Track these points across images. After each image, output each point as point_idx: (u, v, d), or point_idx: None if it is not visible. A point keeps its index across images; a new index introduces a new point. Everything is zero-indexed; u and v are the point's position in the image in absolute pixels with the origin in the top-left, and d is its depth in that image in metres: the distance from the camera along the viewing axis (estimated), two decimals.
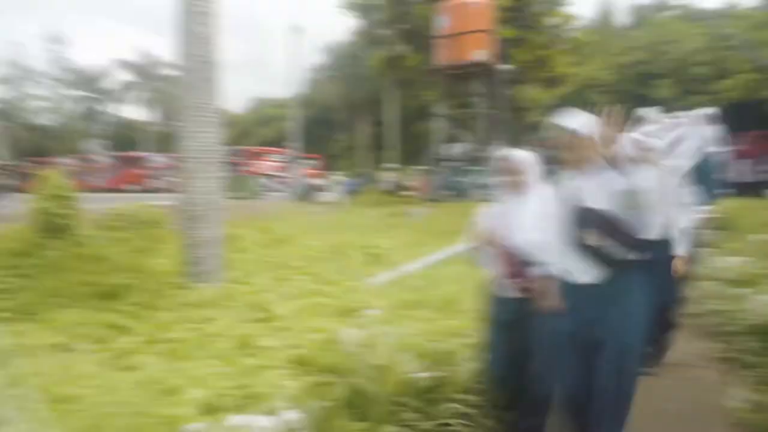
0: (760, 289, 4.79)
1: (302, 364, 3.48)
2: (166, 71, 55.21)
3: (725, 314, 4.88)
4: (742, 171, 13.27)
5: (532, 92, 18.95)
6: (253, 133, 61.66)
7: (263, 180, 29.67)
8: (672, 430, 3.40)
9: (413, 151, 48.16)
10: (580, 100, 39.47)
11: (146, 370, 3.41)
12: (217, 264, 4.93)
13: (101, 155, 40.29)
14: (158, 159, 36.69)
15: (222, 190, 5.21)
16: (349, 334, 3.24)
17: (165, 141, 59.60)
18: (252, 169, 35.09)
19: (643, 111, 9.79)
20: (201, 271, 4.82)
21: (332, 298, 4.93)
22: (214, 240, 4.92)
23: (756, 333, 4.28)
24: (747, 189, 12.10)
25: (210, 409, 2.92)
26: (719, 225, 8.99)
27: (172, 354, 3.74)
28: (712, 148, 9.70)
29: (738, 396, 3.71)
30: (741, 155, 13.14)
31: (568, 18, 17.32)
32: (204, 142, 4.82)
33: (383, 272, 6.51)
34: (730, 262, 5.69)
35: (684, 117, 9.92)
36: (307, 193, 21.20)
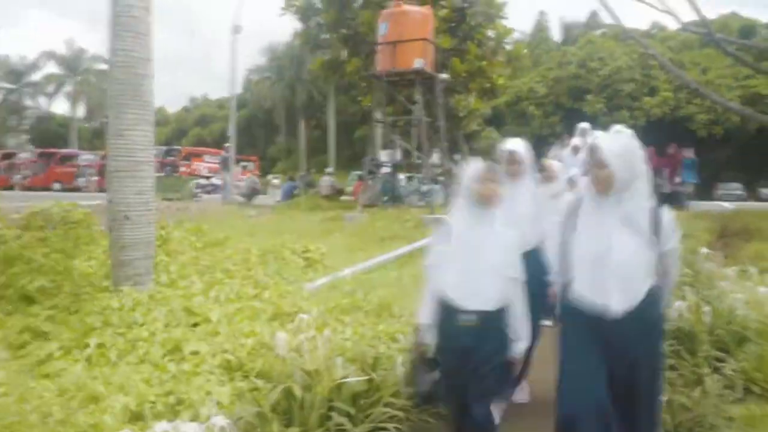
0: (678, 295, 5.06)
1: (233, 369, 3.42)
2: (96, 65, 53.04)
3: None
4: (660, 183, 14.24)
5: (469, 102, 19.33)
6: (190, 132, 60.17)
7: (198, 180, 28.99)
8: None
9: (352, 155, 48.26)
10: (515, 111, 40.72)
11: (68, 377, 3.27)
12: (146, 267, 4.78)
13: (27, 151, 38.23)
14: (87, 156, 35.16)
15: (154, 190, 5.05)
16: (282, 338, 3.21)
17: (95, 138, 57.31)
18: (187, 169, 34.24)
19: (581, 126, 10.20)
20: (129, 274, 4.65)
21: (266, 302, 4.87)
22: (144, 242, 4.76)
23: (673, 337, 4.53)
24: (666, 199, 12.96)
25: (135, 417, 2.84)
26: None
27: (96, 360, 3.61)
28: None
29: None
30: (658, 167, 14.09)
31: (506, 31, 17.79)
32: (136, 140, 4.67)
33: (319, 276, 6.50)
34: None
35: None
36: (251, 194, 20.84)
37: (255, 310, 4.57)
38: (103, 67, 52.80)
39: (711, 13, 40.24)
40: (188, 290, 4.88)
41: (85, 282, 4.90)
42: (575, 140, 10.04)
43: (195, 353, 3.56)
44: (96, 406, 2.91)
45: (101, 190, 29.50)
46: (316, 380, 2.84)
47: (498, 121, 41.13)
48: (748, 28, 42.78)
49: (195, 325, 4.18)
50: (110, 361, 3.60)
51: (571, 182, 4.84)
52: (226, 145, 20.86)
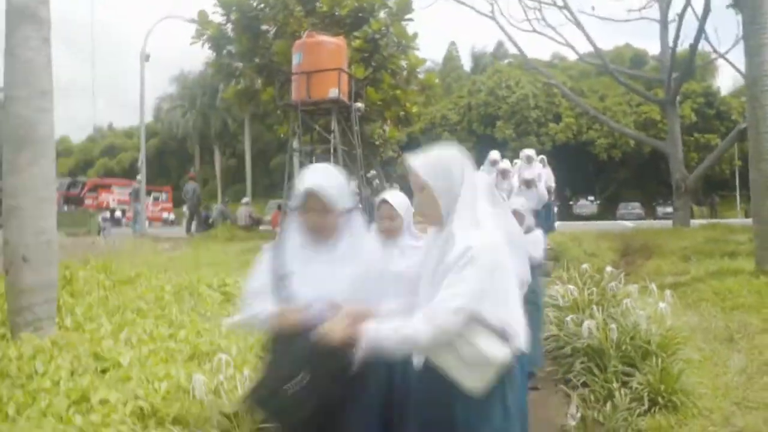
0: (587, 314, 5.32)
1: (147, 417, 3.25)
2: None
3: (560, 339, 5.37)
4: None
5: (385, 130, 19.66)
6: (97, 163, 57.47)
7: (106, 213, 27.62)
8: None
9: (270, 184, 47.72)
10: (430, 137, 41.79)
11: None
12: (48, 311, 4.47)
13: None
14: None
15: (57, 227, 4.77)
16: (199, 380, 3.09)
17: None
18: (93, 201, 32.57)
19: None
20: (29, 320, 4.33)
21: (182, 342, 4.68)
22: (46, 285, 4.46)
23: (584, 355, 4.75)
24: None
25: None
26: (553, 256, 9.92)
27: None
28: (543, 186, 10.74)
29: (574, 414, 4.07)
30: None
31: (418, 61, 18.29)
32: (34, 177, 4.40)
33: (238, 311, 6.32)
34: (561, 290, 6.26)
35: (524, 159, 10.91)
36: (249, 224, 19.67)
37: (170, 350, 4.37)
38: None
39: (606, 44, 43.24)
40: (96, 333, 4.60)
41: None
42: (502, 164, 10.54)
43: (104, 402, 3.34)
44: None
45: None
46: (236, 423, 2.75)
47: (413, 148, 41.54)
48: (640, 58, 46.38)
49: (104, 371, 3.94)
50: (8, 416, 3.32)
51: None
52: (138, 177, 20.04)
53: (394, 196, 3.00)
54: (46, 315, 4.45)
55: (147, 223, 21.67)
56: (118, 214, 31.98)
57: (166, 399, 3.47)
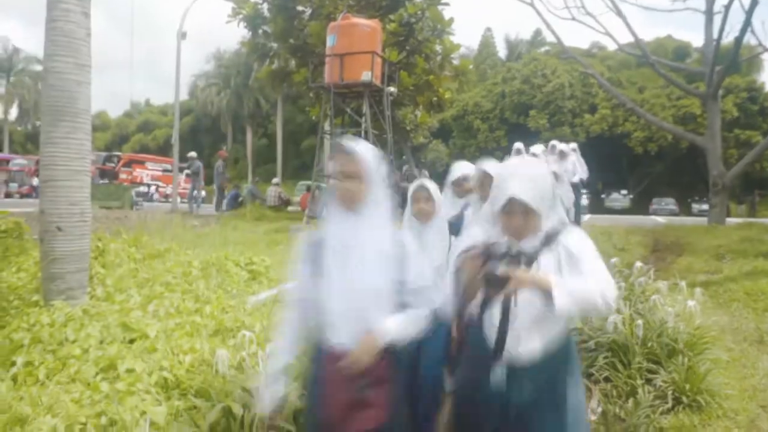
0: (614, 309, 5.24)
1: (170, 388, 3.32)
2: (32, 66, 50.93)
3: (584, 332, 5.30)
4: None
5: (416, 115, 19.56)
6: (132, 138, 58.48)
7: (140, 188, 28.16)
8: None
9: (300, 166, 48.02)
10: (461, 124, 41.40)
11: None
12: (80, 281, 4.59)
13: None
14: (20, 161, 33.62)
15: (91, 199, 4.87)
16: (223, 355, 3.15)
17: (29, 141, 54.85)
18: (128, 176, 33.21)
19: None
20: (61, 288, 4.45)
21: (207, 317, 4.76)
22: (78, 254, 4.57)
23: (608, 350, 4.69)
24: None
25: None
26: None
27: (23, 380, 3.43)
28: (576, 177, 10.57)
29: (594, 408, 4.03)
30: None
31: (453, 46, 18.09)
32: (70, 149, 4.48)
33: (263, 289, 6.40)
34: None
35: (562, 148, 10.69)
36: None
37: (195, 325, 4.46)
38: (39, 68, 50.83)
39: (647, 35, 42.17)
40: (125, 304, 4.71)
41: (14, 295, 4.68)
42: (534, 149, 10.32)
43: (130, 371, 3.43)
44: (21, 428, 2.77)
45: (34, 197, 28.27)
46: (256, 398, 2.78)
47: (444, 134, 41.78)
48: (682, 50, 45.09)
49: (132, 341, 4.03)
50: (38, 380, 3.43)
51: None
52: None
53: (430, 183, 3.32)
54: (77, 284, 4.56)
55: (179, 199, 21.99)
56: (152, 189, 32.55)
57: (189, 371, 3.54)
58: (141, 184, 32.12)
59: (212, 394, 3.09)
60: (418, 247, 2.41)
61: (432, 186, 3.29)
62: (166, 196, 33.02)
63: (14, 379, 3.46)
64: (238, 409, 2.76)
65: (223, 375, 3.22)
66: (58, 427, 2.74)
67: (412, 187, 3.30)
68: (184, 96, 44.97)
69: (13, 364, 3.57)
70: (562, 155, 10.19)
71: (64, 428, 2.74)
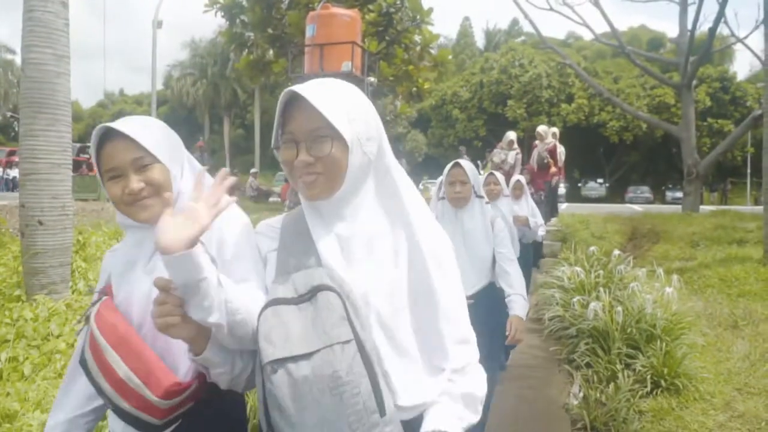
0: (593, 296, 5.35)
1: None
2: (2, 55, 49.61)
3: (565, 319, 5.41)
4: None
5: (396, 105, 19.55)
6: None
7: None
8: (519, 428, 3.70)
9: None
10: (440, 114, 41.48)
11: None
12: (62, 275, 4.55)
13: None
14: None
15: (71, 192, 4.81)
16: None
17: (1, 132, 53.55)
18: None
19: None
20: (44, 282, 4.41)
21: None
22: (60, 248, 4.53)
23: (589, 336, 4.80)
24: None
25: None
26: (560, 237, 9.93)
27: (8, 376, 3.41)
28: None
29: (576, 394, 4.13)
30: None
31: (432, 36, 18.07)
32: (50, 142, 4.43)
33: None
34: (568, 272, 6.28)
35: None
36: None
37: None
38: (10, 57, 49.55)
39: (622, 25, 42.60)
40: None
41: None
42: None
43: None
44: (11, 424, 2.76)
45: (11, 190, 27.68)
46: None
47: (423, 124, 41.82)
48: (657, 41, 45.67)
49: None
50: (24, 375, 3.41)
51: None
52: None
53: (466, 162, 3.03)
54: (60, 278, 4.53)
55: None
56: None
57: None
58: None
59: None
60: (459, 236, 2.48)
61: (468, 165, 2.98)
62: None
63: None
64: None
65: None
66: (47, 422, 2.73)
67: (446, 169, 3.00)
68: (158, 86, 44.30)
69: None
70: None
71: None
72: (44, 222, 4.40)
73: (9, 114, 48.60)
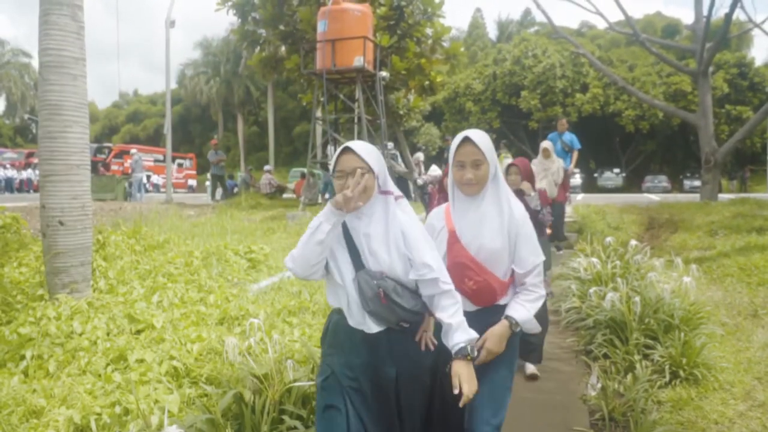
0: (610, 287, 5.33)
1: (181, 376, 3.39)
2: (19, 58, 50.30)
3: (582, 310, 5.40)
4: None
5: (409, 99, 19.51)
6: (122, 129, 58.02)
7: (133, 179, 28.01)
8: (537, 419, 3.71)
9: (292, 152, 47.86)
10: (453, 106, 41.27)
11: (4, 391, 3.15)
12: (84, 274, 4.63)
13: None
14: (10, 155, 33.39)
15: (90, 193, 4.89)
16: (232, 343, 3.20)
17: (18, 134, 54.28)
18: (120, 167, 33.02)
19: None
20: (65, 282, 4.49)
21: (212, 306, 4.82)
22: (80, 248, 4.60)
23: (606, 327, 4.78)
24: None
25: (80, 430, 2.77)
26: (576, 228, 9.88)
27: (34, 373, 3.49)
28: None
29: (594, 384, 4.12)
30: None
31: (444, 29, 18.01)
32: (69, 143, 4.50)
33: (264, 277, 6.46)
34: (585, 263, 6.26)
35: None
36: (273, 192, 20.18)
37: (200, 314, 4.52)
38: (26, 60, 50.20)
39: (637, 13, 42.03)
40: (129, 296, 4.77)
41: (17, 290, 4.71)
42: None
43: (140, 361, 3.50)
44: (38, 420, 2.83)
45: (30, 191, 28.10)
46: (266, 384, 2.85)
47: (436, 117, 41.69)
48: (672, 27, 45.01)
49: (138, 332, 4.09)
50: (49, 373, 3.49)
51: None
52: (162, 142, 20.30)
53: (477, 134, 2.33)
54: (81, 277, 4.60)
55: (172, 189, 21.93)
56: (145, 180, 32.50)
57: (198, 360, 3.61)
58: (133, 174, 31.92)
59: (222, 381, 3.15)
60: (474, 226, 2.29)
61: (483, 138, 2.31)
62: (156, 186, 32.97)
63: (25, 372, 3.52)
64: (249, 395, 2.82)
65: (232, 362, 3.28)
66: (73, 418, 2.79)
67: (453, 145, 2.34)
68: (172, 85, 44.60)
69: (23, 357, 3.62)
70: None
71: (80, 419, 2.80)
72: (65, 222, 4.48)
73: (27, 116, 49.26)
